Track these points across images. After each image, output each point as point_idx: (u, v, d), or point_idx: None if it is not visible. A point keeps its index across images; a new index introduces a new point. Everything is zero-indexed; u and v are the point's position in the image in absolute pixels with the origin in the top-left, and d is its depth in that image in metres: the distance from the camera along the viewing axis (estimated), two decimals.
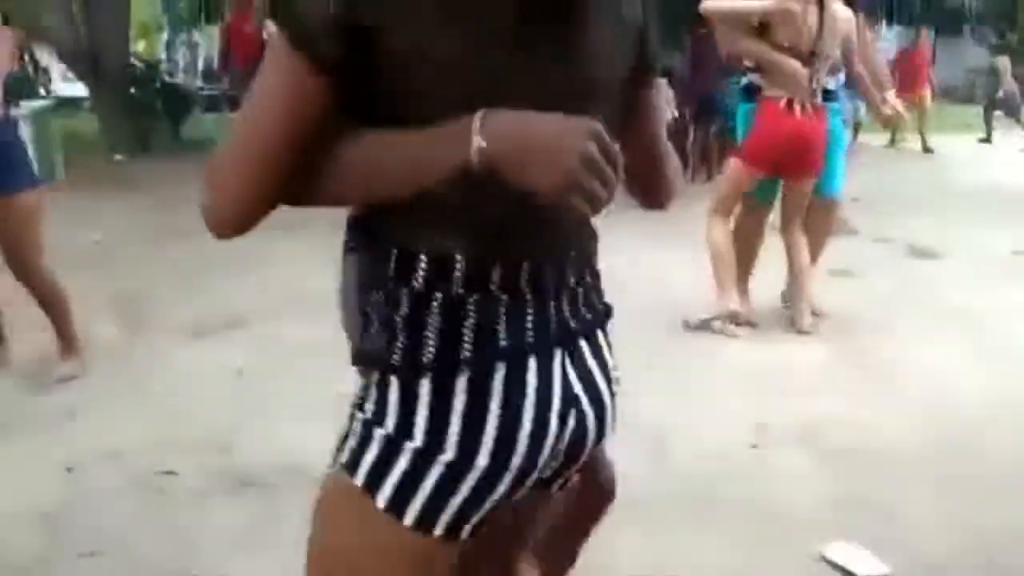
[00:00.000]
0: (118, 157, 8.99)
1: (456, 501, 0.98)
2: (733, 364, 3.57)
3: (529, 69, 0.95)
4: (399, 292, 0.96)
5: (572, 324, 1.05)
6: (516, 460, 0.99)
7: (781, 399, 3.17)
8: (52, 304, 3.31)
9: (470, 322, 0.96)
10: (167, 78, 11.06)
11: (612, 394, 1.11)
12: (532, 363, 0.99)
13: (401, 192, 0.93)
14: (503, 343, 0.97)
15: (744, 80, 4.05)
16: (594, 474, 1.41)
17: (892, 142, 11.60)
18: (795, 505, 2.46)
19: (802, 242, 3.96)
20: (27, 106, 7.62)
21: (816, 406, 3.11)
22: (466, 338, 0.96)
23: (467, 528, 1.01)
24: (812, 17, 3.62)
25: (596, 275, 1.12)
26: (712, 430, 2.92)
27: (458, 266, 0.95)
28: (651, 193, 1.21)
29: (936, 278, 4.89)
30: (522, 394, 0.98)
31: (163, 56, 13.25)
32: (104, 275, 4.68)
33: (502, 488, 1.00)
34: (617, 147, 0.88)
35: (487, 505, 1.00)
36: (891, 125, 4.31)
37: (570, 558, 1.43)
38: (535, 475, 1.03)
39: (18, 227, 3.07)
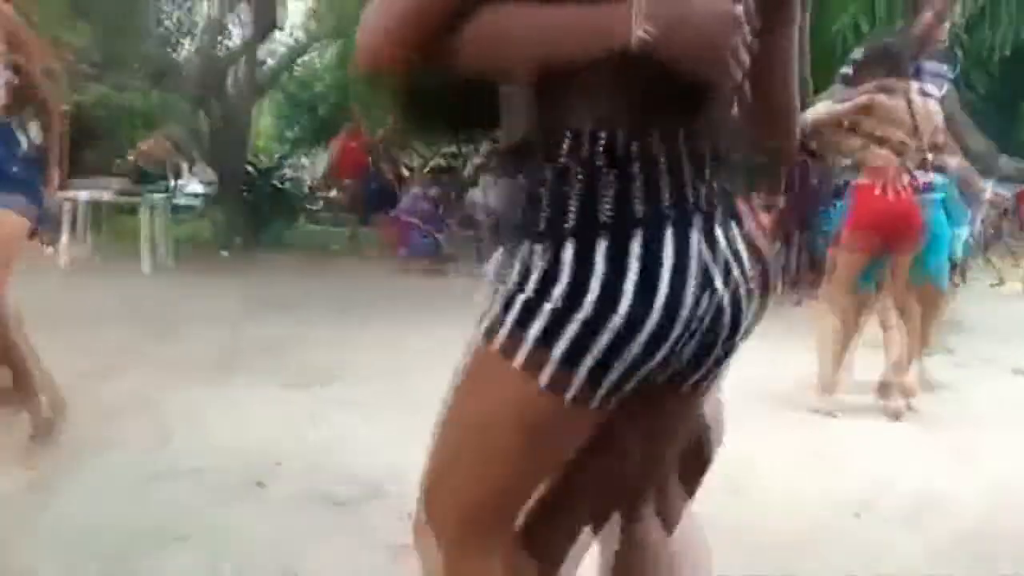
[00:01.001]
0: (224, 253, 9.49)
1: (588, 361, 1.01)
2: (830, 444, 3.48)
3: None
4: (544, 171, 1.04)
5: (708, 209, 1.07)
6: (649, 324, 1.01)
7: (878, 478, 3.06)
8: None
9: (608, 193, 1.02)
10: (279, 184, 11.62)
11: (749, 290, 1.12)
12: (668, 235, 1.03)
13: (551, 59, 0.99)
14: (639, 212, 1.02)
15: (842, 180, 4.07)
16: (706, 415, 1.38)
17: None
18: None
19: (901, 330, 3.88)
20: (149, 197, 8.22)
21: (912, 490, 2.98)
22: (605, 206, 1.01)
23: (599, 394, 1.03)
24: (902, 108, 3.67)
25: (733, 177, 1.15)
26: (812, 499, 2.85)
27: (599, 140, 1.02)
28: (759, 128, 1.22)
29: None
30: (658, 262, 1.02)
31: (278, 160, 13.98)
32: (203, 337, 4.89)
33: (632, 355, 1.02)
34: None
35: (617, 372, 1.02)
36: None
37: (688, 494, 1.39)
38: (666, 351, 1.04)
39: None
